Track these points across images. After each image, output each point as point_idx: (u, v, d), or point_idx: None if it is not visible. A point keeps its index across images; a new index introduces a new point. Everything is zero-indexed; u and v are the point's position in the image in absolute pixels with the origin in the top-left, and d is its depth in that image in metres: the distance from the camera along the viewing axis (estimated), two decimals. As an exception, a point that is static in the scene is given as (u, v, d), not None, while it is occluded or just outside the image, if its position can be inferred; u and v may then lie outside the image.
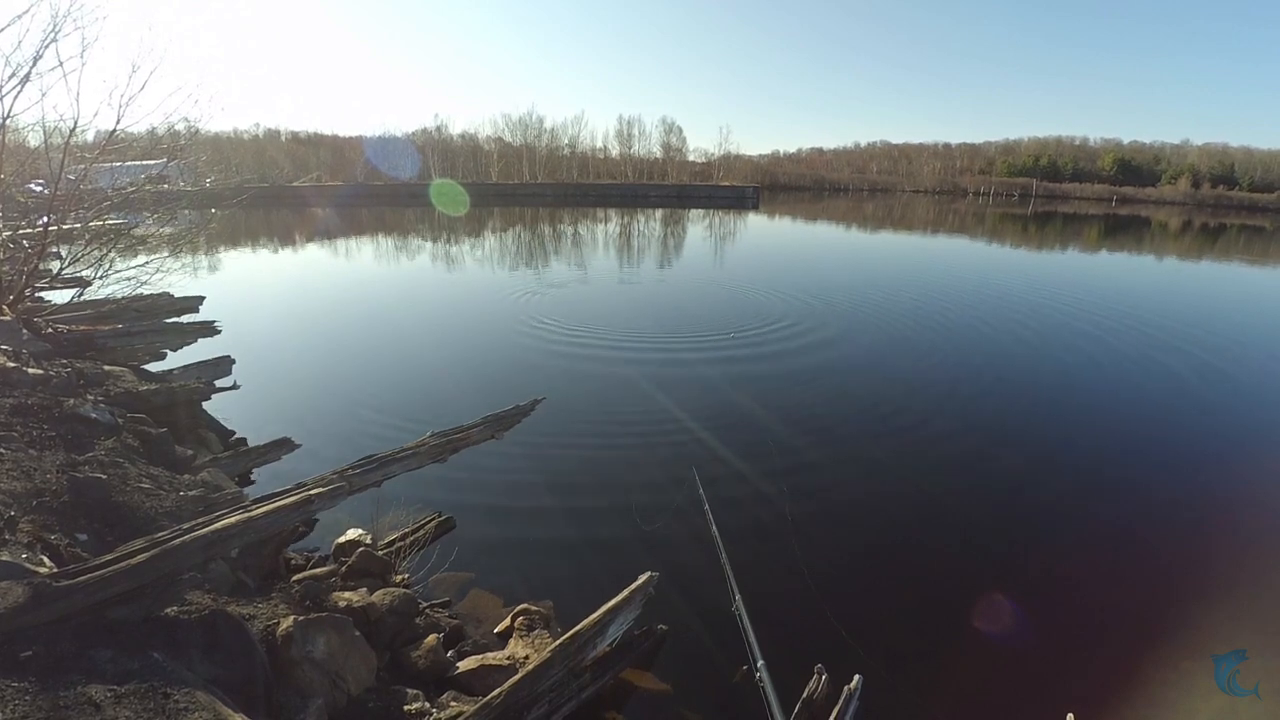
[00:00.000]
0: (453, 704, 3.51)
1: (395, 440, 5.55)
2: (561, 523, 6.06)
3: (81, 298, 10.54)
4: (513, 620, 4.42)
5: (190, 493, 4.60)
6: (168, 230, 11.07)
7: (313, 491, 3.85)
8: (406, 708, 3.37)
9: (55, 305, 10.03)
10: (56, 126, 7.91)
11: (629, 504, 6.19)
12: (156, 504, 4.26)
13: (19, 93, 7.14)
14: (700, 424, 8.26)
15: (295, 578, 4.30)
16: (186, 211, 11.57)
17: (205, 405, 7.37)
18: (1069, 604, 5.19)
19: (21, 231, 9.15)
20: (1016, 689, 4.29)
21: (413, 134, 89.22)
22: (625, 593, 4.02)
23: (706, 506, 5.45)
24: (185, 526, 3.37)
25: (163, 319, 9.70)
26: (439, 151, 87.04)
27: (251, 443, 6.95)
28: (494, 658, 3.98)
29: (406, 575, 4.82)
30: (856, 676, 3.59)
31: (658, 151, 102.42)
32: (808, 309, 15.42)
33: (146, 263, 10.42)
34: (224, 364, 7.98)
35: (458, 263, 24.79)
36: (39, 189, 10.53)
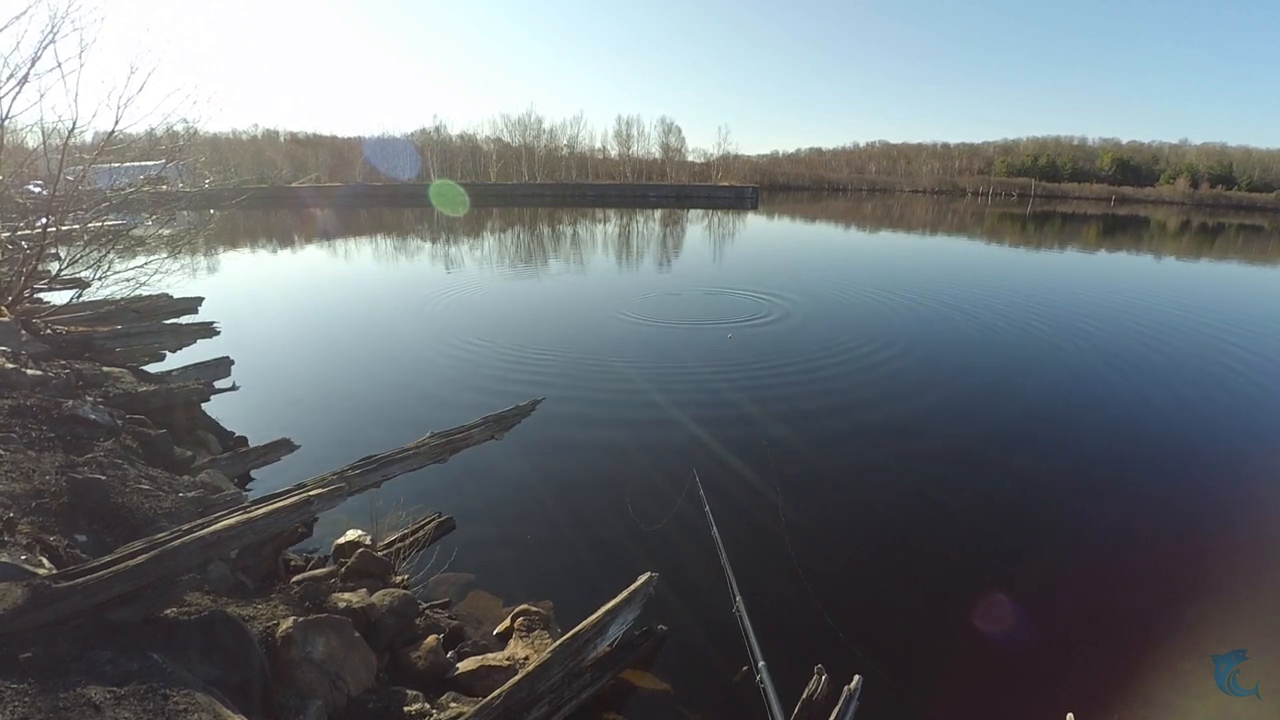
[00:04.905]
0: (452, 705, 3.50)
1: (395, 440, 5.54)
2: (561, 523, 6.05)
3: (80, 299, 10.52)
4: (512, 621, 4.42)
5: (189, 494, 4.59)
6: (166, 231, 11.07)
7: (312, 492, 3.85)
8: (406, 708, 3.36)
9: (54, 306, 10.01)
10: (55, 127, 7.89)
11: (629, 505, 6.18)
12: (155, 505, 4.25)
13: (17, 93, 7.12)
14: (700, 425, 8.26)
15: (295, 579, 4.30)
16: (185, 212, 11.57)
17: (204, 406, 7.35)
18: (1069, 604, 5.19)
19: (20, 232, 9.14)
20: (1016, 689, 4.29)
21: (411, 135, 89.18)
22: (625, 593, 4.02)
23: (707, 507, 5.45)
24: (184, 528, 3.36)
25: (162, 320, 9.69)
26: (438, 152, 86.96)
27: (251, 444, 6.95)
28: (494, 658, 3.98)
29: (406, 576, 4.82)
30: (856, 677, 3.59)
31: (656, 152, 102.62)
32: (807, 310, 15.42)
33: (145, 264, 10.41)
34: (223, 365, 7.96)
35: (457, 263, 24.78)
36: (37, 190, 10.52)
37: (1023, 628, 4.72)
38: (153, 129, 9.07)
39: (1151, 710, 4.03)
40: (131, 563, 2.92)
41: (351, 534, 5.20)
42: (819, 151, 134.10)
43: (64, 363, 6.81)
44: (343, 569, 4.59)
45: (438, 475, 6.08)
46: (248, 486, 6.16)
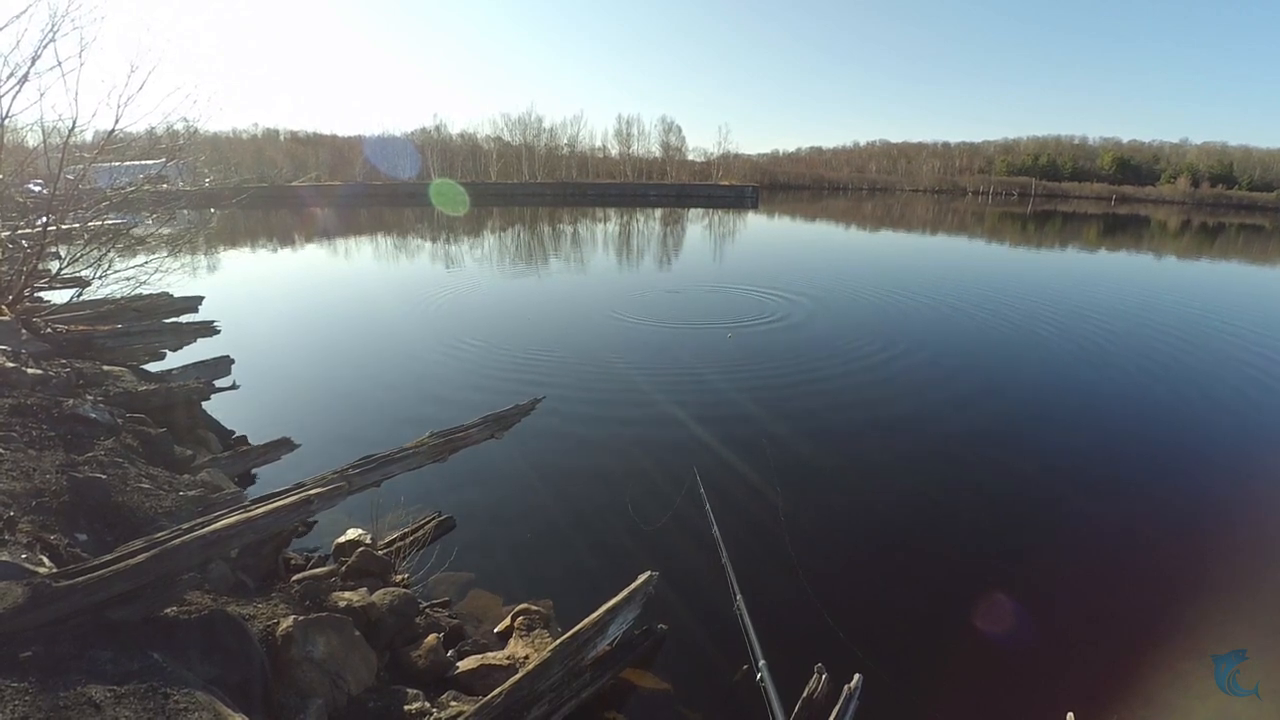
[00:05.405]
0: (453, 704, 3.50)
1: (395, 440, 5.54)
2: (561, 522, 6.05)
3: (80, 298, 10.53)
4: (513, 620, 4.42)
5: (190, 493, 4.60)
6: (167, 230, 11.09)
7: (312, 491, 3.85)
8: (407, 707, 3.37)
9: (54, 305, 10.02)
10: (55, 126, 7.88)
11: (629, 504, 6.18)
12: (156, 504, 4.26)
13: (17, 92, 7.13)
14: (700, 424, 8.26)
15: (295, 578, 4.30)
16: (185, 211, 11.58)
17: (205, 405, 7.36)
18: (1069, 604, 5.19)
19: (20, 231, 9.13)
20: (1016, 688, 4.29)
21: (412, 134, 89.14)
22: (625, 592, 4.02)
23: (707, 506, 5.45)
24: (185, 527, 3.36)
25: (162, 319, 9.69)
26: (438, 151, 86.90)
27: (251, 442, 6.95)
28: (494, 657, 3.98)
29: (406, 575, 4.82)
30: (856, 676, 3.59)
31: (657, 151, 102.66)
32: (808, 309, 15.41)
33: (146, 263, 10.42)
34: (223, 364, 7.97)
35: (457, 262, 24.78)
36: (38, 189, 10.52)
37: (1023, 628, 4.72)
38: (153, 128, 9.07)
39: (1151, 710, 4.03)
40: (132, 562, 2.92)
41: (352, 533, 5.20)
42: (819, 151, 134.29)
43: (64, 361, 6.81)
44: (343, 568, 4.59)
45: (438, 474, 6.09)
46: (248, 485, 6.16)
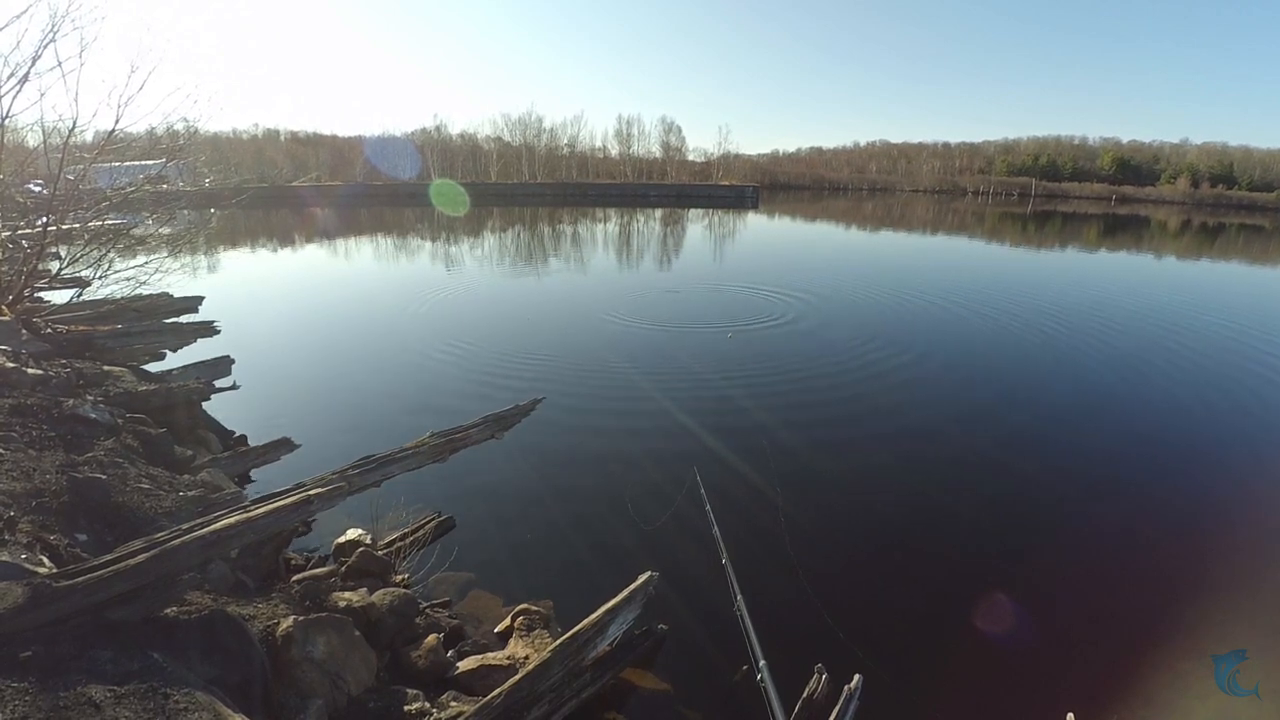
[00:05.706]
0: (453, 704, 3.50)
1: (395, 440, 5.54)
2: (561, 522, 6.05)
3: (81, 298, 10.52)
4: (513, 620, 4.42)
5: (190, 493, 4.60)
6: (167, 230, 11.09)
7: (312, 492, 3.85)
8: (407, 708, 3.37)
9: (54, 305, 10.01)
10: (55, 126, 7.89)
11: (629, 504, 6.18)
12: (156, 504, 4.26)
13: (18, 93, 7.14)
14: (700, 424, 8.26)
15: (295, 578, 4.30)
16: (185, 211, 11.58)
17: (205, 405, 7.35)
18: (1069, 604, 5.19)
19: (20, 232, 9.13)
20: (1016, 689, 4.29)
21: (412, 134, 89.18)
22: (625, 592, 4.02)
23: (708, 506, 5.45)
24: (185, 527, 3.36)
25: (162, 319, 9.68)
26: (438, 151, 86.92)
27: (251, 443, 6.95)
28: (494, 658, 3.98)
29: (406, 575, 4.82)
30: (856, 676, 3.59)
31: (657, 151, 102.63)
32: (808, 309, 15.41)
33: (146, 263, 10.42)
34: (223, 364, 7.96)
35: (457, 262, 24.78)
36: (38, 189, 10.52)
37: (1023, 628, 4.72)
38: (153, 128, 9.07)
39: (1151, 710, 4.03)
40: (132, 562, 2.91)
41: (352, 533, 5.20)
42: (819, 151, 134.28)
43: (64, 362, 6.81)
44: (343, 568, 4.59)
45: (438, 475, 6.08)
46: (248, 486, 6.16)
